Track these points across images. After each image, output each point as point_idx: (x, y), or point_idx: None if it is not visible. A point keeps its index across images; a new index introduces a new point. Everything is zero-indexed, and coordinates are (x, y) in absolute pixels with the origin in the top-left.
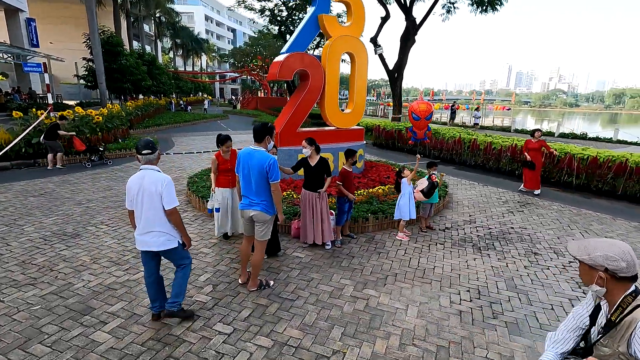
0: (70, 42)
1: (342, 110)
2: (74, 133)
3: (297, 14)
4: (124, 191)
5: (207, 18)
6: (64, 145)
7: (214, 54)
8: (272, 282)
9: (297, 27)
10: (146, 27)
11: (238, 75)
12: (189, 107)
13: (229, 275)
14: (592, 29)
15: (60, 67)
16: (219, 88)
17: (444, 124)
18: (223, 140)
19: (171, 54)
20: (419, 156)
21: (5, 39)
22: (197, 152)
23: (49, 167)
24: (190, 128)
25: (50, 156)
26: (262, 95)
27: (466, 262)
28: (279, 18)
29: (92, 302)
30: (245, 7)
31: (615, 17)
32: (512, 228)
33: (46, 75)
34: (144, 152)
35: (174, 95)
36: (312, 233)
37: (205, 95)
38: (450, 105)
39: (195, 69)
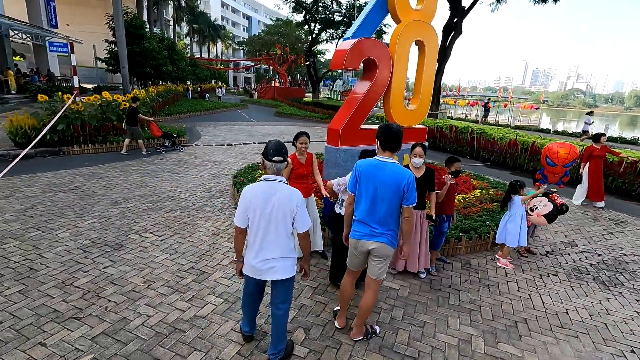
0: (87, 24)
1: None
2: (152, 118)
3: (323, 0)
4: (161, 189)
5: (223, 4)
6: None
7: (229, 41)
8: (377, 328)
9: (320, 15)
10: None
11: (255, 63)
12: (207, 95)
13: (318, 314)
14: (611, 29)
15: (77, 49)
16: (233, 76)
17: (475, 121)
18: (297, 136)
19: (187, 40)
20: (541, 189)
21: (24, 19)
22: (227, 145)
23: (122, 152)
24: (212, 117)
25: (127, 141)
26: (278, 85)
27: (599, 302)
28: (303, 4)
29: (158, 352)
30: None
31: (636, 18)
32: (625, 255)
33: (73, 57)
34: (275, 158)
35: (189, 82)
36: (408, 259)
37: (220, 83)
38: (484, 102)
39: (210, 56)
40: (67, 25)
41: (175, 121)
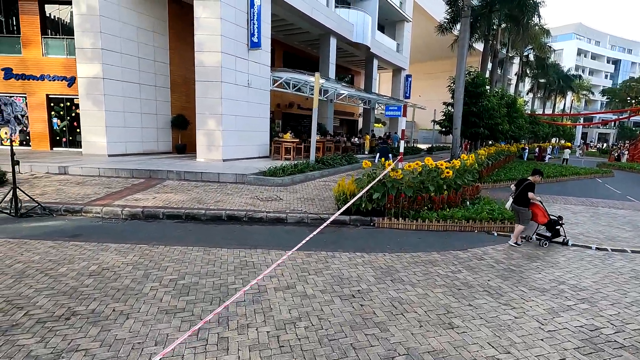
0: (435, 93)
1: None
2: (539, 199)
3: None
4: (474, 344)
5: (579, 52)
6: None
7: (584, 92)
8: None
9: None
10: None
11: (620, 116)
12: (547, 156)
13: None
14: None
15: (422, 114)
16: (582, 132)
17: None
18: None
19: (528, 97)
20: None
21: (387, 93)
22: (596, 248)
23: (511, 243)
24: (555, 187)
25: (519, 228)
26: None
27: None
28: None
29: None
30: None
31: None
32: None
33: (403, 120)
34: None
35: (524, 141)
36: None
37: (563, 142)
38: None
39: (555, 111)
40: (419, 96)
41: (504, 190)
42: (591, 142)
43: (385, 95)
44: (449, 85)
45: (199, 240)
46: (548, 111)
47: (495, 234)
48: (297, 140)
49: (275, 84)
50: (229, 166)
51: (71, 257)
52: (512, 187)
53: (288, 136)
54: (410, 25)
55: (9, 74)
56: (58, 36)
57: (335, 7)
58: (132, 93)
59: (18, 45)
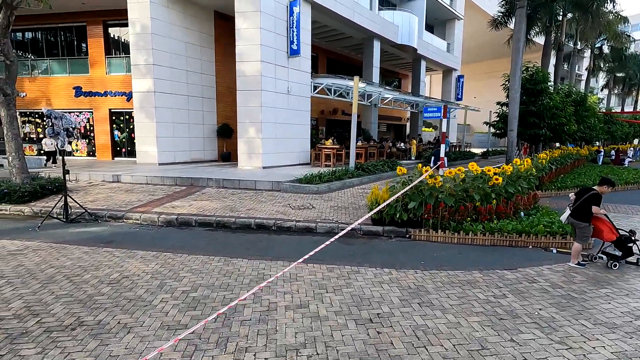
0: (490, 94)
1: None
2: (604, 211)
3: None
4: None
5: None
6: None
7: None
8: None
9: None
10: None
11: None
12: (627, 160)
13: None
14: None
15: (477, 117)
16: None
17: None
18: None
19: (602, 93)
20: None
21: (438, 95)
22: None
23: (571, 264)
24: (634, 195)
25: (577, 246)
26: None
27: None
28: None
29: None
30: None
31: None
32: None
33: (444, 121)
34: None
35: (598, 143)
36: None
37: None
38: None
39: (638, 109)
40: (474, 97)
41: (568, 199)
42: None
43: (434, 98)
44: (503, 84)
45: (223, 249)
46: (628, 109)
47: (554, 251)
48: (338, 146)
49: (316, 91)
50: (267, 173)
51: (99, 264)
52: (572, 196)
53: (329, 142)
54: (461, 24)
55: (79, 91)
56: (118, 55)
57: (380, 9)
58: (180, 104)
59: (86, 66)
